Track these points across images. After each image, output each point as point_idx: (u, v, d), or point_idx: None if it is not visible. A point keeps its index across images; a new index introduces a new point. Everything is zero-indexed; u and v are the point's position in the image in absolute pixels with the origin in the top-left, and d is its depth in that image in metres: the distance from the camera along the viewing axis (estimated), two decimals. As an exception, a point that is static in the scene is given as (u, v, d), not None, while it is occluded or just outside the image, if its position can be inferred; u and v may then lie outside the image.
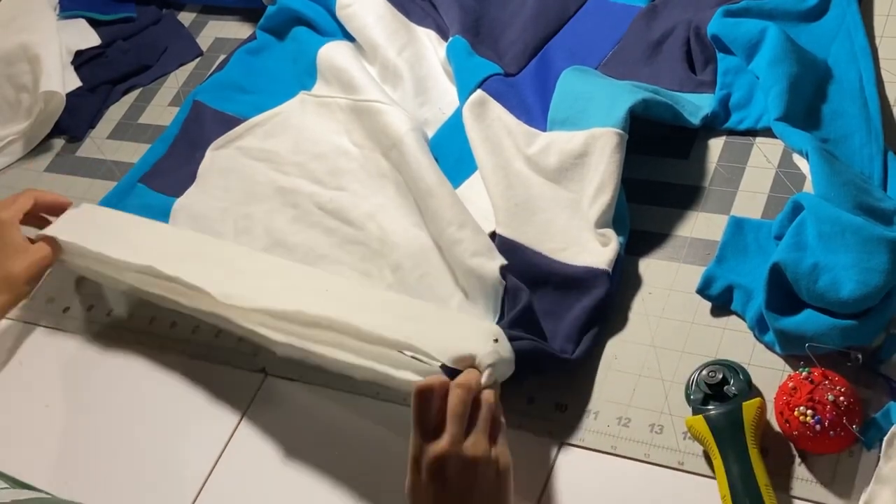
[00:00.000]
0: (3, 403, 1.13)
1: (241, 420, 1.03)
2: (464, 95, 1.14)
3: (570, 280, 0.97)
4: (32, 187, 1.21)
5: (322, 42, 1.28)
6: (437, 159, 1.11)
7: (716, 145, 1.05)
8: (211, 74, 1.36)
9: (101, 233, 1.12)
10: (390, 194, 1.11)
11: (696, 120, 1.05)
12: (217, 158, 1.24)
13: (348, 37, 1.30)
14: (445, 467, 0.80)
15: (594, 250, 0.97)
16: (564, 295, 0.97)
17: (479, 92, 1.13)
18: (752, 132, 1.04)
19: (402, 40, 1.25)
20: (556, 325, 0.96)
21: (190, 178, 1.23)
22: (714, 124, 1.06)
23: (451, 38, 1.19)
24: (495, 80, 1.14)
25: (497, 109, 1.11)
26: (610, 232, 0.98)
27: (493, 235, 1.03)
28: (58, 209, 1.16)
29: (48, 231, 1.12)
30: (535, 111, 1.10)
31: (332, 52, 1.25)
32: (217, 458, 1.01)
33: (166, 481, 1.02)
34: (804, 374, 0.83)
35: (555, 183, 1.04)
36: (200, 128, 1.28)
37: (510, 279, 0.97)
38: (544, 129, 1.08)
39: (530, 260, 1.00)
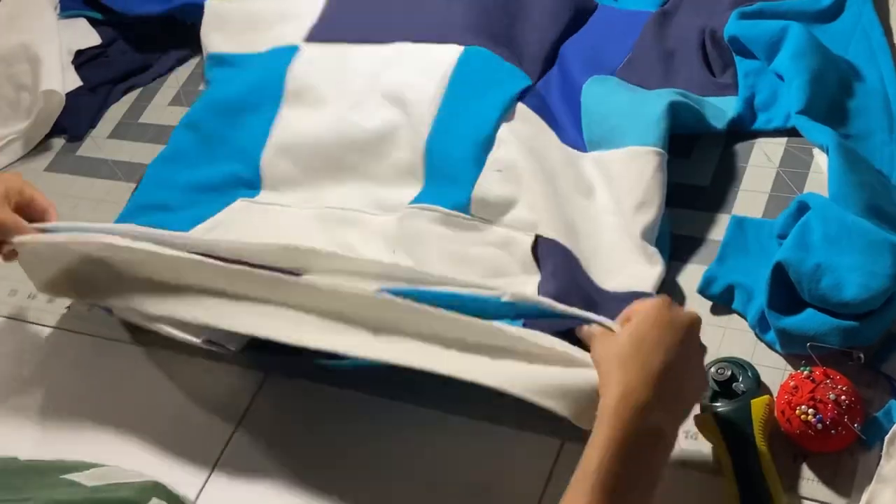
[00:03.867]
0: (3, 403, 1.13)
1: (240, 420, 1.03)
2: (499, 107, 1.09)
3: (616, 306, 0.90)
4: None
5: (263, 141, 1.19)
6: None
7: (717, 145, 1.05)
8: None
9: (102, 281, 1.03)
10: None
11: (721, 125, 1.04)
12: None
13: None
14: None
15: (639, 273, 0.96)
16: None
17: (520, 105, 1.09)
18: (753, 132, 1.04)
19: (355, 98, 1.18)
20: None
21: None
22: (741, 127, 1.04)
23: (465, 48, 1.15)
24: (532, 96, 1.10)
25: (539, 123, 1.09)
26: (655, 252, 0.97)
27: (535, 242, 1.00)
28: (37, 214, 1.06)
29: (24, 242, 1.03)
30: (566, 127, 1.09)
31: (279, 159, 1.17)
32: (217, 458, 1.01)
33: (166, 482, 1.02)
34: (806, 372, 0.84)
35: (593, 200, 1.03)
36: None
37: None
38: (580, 147, 1.07)
39: (580, 282, 0.96)
